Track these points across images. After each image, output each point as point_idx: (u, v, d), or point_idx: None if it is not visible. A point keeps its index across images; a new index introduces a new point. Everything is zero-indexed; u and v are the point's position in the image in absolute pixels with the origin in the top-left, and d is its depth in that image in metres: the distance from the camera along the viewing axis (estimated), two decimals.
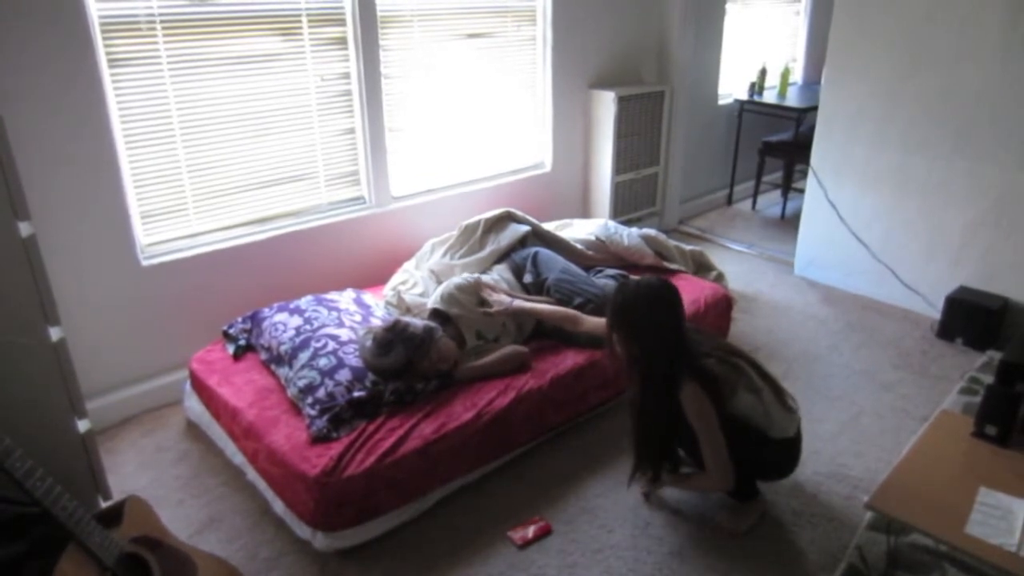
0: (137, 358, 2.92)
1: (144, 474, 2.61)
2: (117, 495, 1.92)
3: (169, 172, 2.86)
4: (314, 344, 2.59)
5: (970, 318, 3.42)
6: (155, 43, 2.69)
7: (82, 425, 1.88)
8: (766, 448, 2.22)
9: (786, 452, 2.29)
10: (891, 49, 3.58)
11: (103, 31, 2.56)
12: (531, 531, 2.31)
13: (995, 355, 3.12)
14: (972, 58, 3.32)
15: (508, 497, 2.48)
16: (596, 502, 2.46)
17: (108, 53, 2.59)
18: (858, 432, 2.82)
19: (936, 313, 3.59)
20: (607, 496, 2.48)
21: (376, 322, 2.85)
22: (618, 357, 2.24)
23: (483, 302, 2.78)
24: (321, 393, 2.40)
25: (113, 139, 2.65)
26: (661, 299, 2.15)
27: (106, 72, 2.60)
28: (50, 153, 2.53)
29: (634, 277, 3.24)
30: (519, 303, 2.79)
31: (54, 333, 1.76)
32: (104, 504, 1.96)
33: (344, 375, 2.46)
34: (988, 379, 2.40)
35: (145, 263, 2.84)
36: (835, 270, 4.10)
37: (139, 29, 2.64)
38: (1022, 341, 2.61)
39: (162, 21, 2.68)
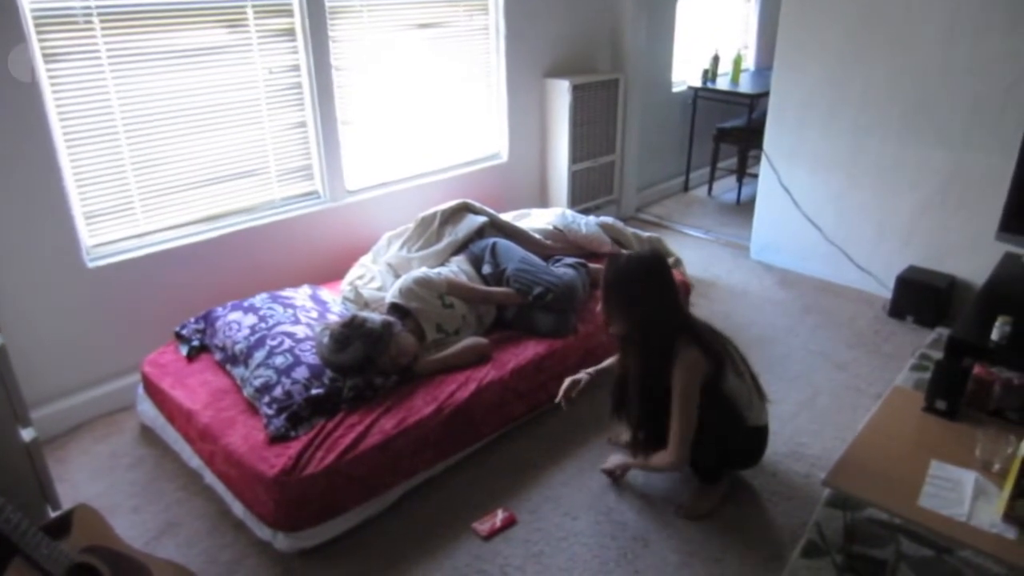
0: (87, 363, 2.83)
1: (97, 482, 2.54)
2: (69, 504, 1.85)
3: (113, 170, 2.77)
4: (270, 342, 2.54)
5: (920, 297, 3.51)
6: (93, 37, 2.59)
7: (26, 434, 1.81)
8: (741, 433, 2.26)
9: (757, 440, 2.35)
10: (840, 34, 3.63)
11: (36, 25, 2.46)
12: (496, 522, 2.31)
13: (944, 332, 3.20)
14: (918, 42, 3.39)
15: (472, 489, 2.48)
16: (560, 490, 2.46)
17: (43, 48, 2.49)
18: (815, 411, 2.87)
19: (888, 292, 3.68)
20: (570, 484, 2.49)
21: (333, 318, 2.81)
22: (613, 333, 2.28)
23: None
24: (278, 392, 2.36)
25: (52, 137, 2.55)
26: (653, 269, 2.22)
27: (42, 67, 2.50)
28: None
29: (595, 265, 3.26)
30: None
31: None
32: (53, 514, 1.90)
33: (301, 373, 2.42)
34: (938, 355, 2.47)
35: (91, 265, 2.75)
36: (790, 253, 4.16)
37: (75, 23, 2.55)
38: (968, 318, 2.70)
39: (99, 14, 2.59)
